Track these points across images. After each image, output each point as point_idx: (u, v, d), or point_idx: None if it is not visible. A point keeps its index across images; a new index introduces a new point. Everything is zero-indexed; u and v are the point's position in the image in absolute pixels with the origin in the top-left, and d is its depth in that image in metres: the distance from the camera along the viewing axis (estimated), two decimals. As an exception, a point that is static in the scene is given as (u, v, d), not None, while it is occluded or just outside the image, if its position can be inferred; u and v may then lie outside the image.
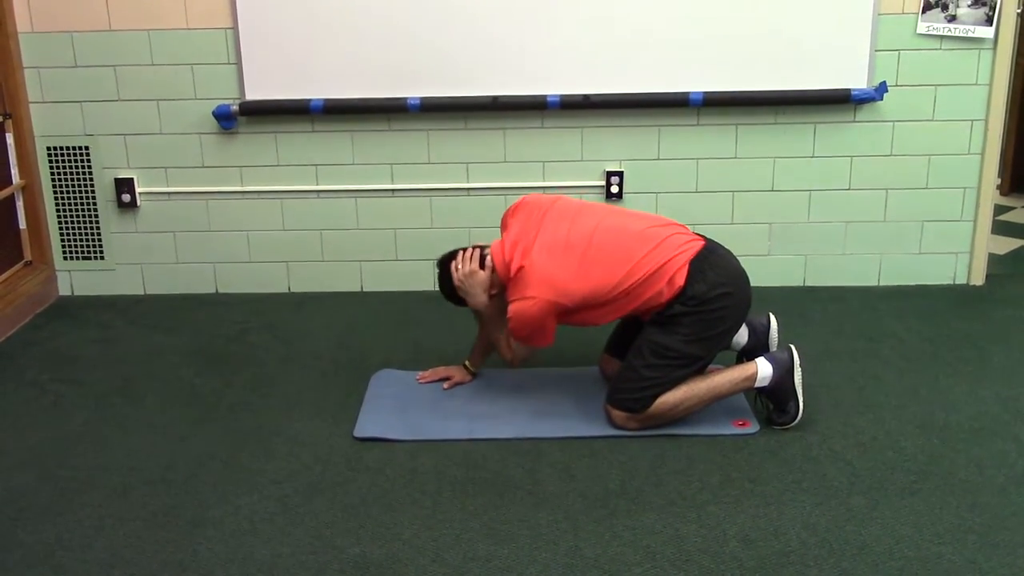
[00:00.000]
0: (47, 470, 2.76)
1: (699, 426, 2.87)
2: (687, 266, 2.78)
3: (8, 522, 2.51)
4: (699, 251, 2.82)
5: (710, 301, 2.77)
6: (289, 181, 3.99)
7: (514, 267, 2.83)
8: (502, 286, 2.93)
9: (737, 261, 2.89)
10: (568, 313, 2.83)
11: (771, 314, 3.16)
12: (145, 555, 2.36)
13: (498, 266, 2.89)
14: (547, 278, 2.78)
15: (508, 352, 2.99)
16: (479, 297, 2.95)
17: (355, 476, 2.69)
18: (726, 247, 2.92)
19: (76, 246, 4.09)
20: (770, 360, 2.87)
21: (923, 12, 3.72)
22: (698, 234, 2.92)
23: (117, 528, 2.47)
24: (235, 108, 3.85)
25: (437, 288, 3.07)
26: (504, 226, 3.02)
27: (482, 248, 2.98)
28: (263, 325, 3.78)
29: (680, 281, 2.77)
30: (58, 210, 4.05)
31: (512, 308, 2.83)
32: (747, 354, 3.13)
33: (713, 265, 2.81)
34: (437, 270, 3.05)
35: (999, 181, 4.71)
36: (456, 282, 2.96)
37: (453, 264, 2.97)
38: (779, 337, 3.13)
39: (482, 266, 2.93)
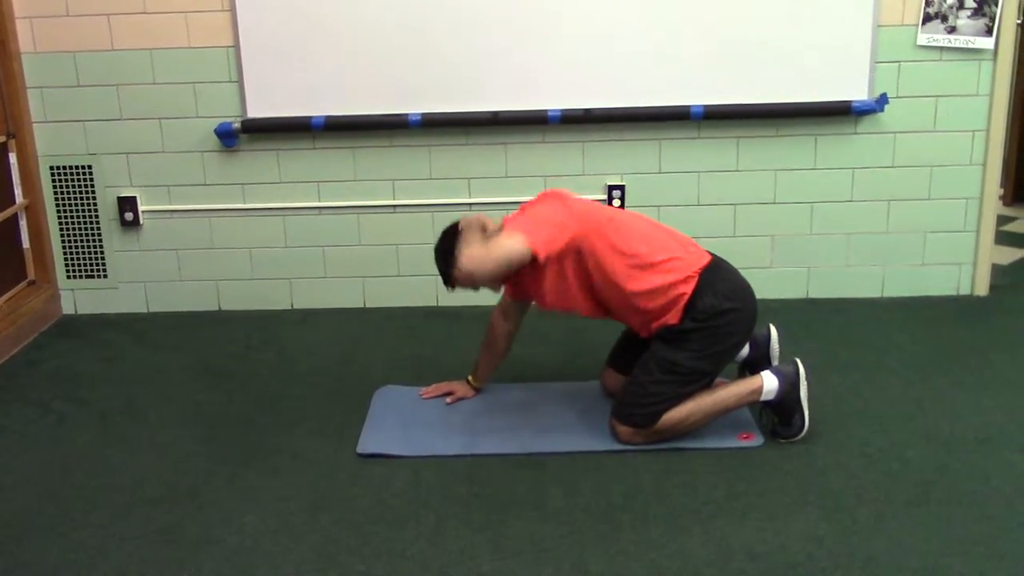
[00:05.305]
0: (50, 489, 2.75)
1: (704, 439, 2.86)
2: (698, 276, 2.77)
3: (12, 542, 2.50)
4: (709, 263, 2.82)
5: (719, 316, 2.76)
6: (291, 198, 4.00)
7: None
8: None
9: (742, 276, 2.88)
10: (577, 252, 2.76)
11: (771, 325, 3.16)
12: (149, 574, 2.35)
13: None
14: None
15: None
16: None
17: (359, 493, 2.68)
18: (728, 263, 2.91)
19: (79, 265, 4.10)
20: (776, 373, 2.86)
21: (923, 24, 3.73)
22: (704, 250, 2.91)
23: (121, 547, 2.46)
24: (237, 126, 3.87)
25: (442, 284, 2.88)
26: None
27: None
28: (266, 342, 3.78)
29: (688, 288, 2.75)
30: (61, 229, 4.06)
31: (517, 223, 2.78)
32: (748, 366, 3.13)
33: (722, 279, 2.81)
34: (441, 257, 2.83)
35: (1002, 191, 4.71)
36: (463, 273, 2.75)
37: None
38: (780, 348, 3.13)
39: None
